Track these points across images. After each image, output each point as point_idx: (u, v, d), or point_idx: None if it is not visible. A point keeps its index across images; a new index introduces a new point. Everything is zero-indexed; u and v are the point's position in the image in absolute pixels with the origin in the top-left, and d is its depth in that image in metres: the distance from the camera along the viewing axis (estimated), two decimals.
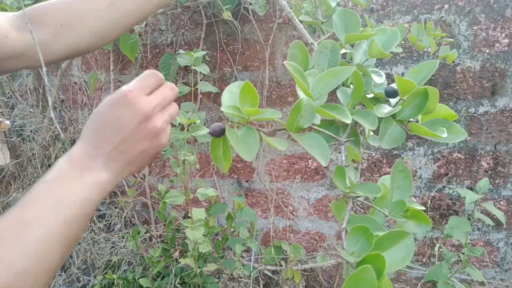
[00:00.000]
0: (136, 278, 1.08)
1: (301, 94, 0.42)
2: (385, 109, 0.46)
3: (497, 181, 1.15)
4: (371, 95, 0.51)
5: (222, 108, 0.41)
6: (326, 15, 0.85)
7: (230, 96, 0.43)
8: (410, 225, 0.44)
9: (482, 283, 1.11)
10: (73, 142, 1.43)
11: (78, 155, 0.41)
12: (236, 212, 1.01)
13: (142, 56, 1.40)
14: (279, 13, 1.22)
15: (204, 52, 1.10)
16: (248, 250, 1.27)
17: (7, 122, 1.24)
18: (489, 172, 1.15)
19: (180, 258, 0.95)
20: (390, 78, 1.11)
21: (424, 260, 1.24)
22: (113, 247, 1.29)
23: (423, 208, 0.45)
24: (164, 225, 1.27)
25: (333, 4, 0.81)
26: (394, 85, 0.47)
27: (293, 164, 1.32)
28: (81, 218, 0.40)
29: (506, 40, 1.07)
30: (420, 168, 1.20)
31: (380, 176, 1.23)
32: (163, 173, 1.45)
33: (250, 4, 1.16)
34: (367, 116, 0.46)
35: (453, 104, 1.13)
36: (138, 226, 1.21)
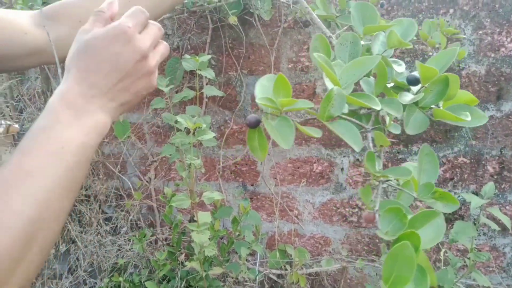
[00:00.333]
0: (142, 281, 1.09)
1: (329, 84, 0.44)
2: (407, 97, 0.48)
3: (503, 186, 1.15)
4: (391, 84, 0.53)
5: (256, 100, 0.42)
6: (340, 9, 0.86)
7: (262, 88, 0.44)
8: (439, 205, 0.45)
9: None
10: None
11: (72, 97, 0.39)
12: (241, 215, 1.02)
13: None
14: (284, 18, 1.23)
15: (209, 57, 1.11)
16: (253, 254, 1.28)
17: (16, 125, 1.26)
18: (495, 177, 1.15)
19: (185, 261, 0.96)
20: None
21: None
22: (119, 250, 1.30)
23: None
24: (170, 228, 1.28)
25: None
26: (415, 73, 0.48)
27: (298, 168, 1.32)
28: (83, 163, 0.39)
29: None
30: None
31: None
32: (169, 176, 1.46)
33: (256, 9, 1.17)
34: (391, 103, 0.47)
35: None
36: (144, 229, 1.22)
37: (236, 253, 1.05)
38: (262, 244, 1.39)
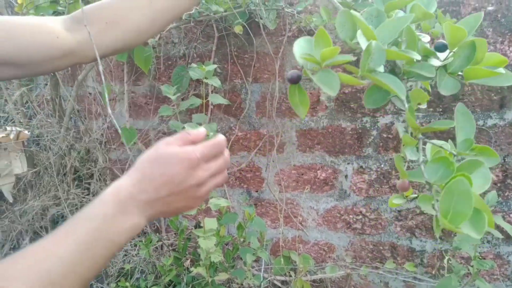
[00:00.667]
0: (148, 286, 1.10)
1: (364, 41, 0.44)
2: (436, 63, 0.49)
3: (506, 194, 1.15)
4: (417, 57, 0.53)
5: (296, 58, 0.43)
6: None
7: (300, 48, 0.46)
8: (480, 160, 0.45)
9: None
10: (87, 151, 1.47)
11: (123, 196, 0.43)
12: (246, 222, 1.03)
13: (155, 67, 1.44)
14: (288, 27, 1.25)
15: (216, 66, 1.13)
16: (257, 260, 1.29)
17: (26, 132, 1.28)
18: (498, 185, 1.15)
19: (191, 267, 0.97)
20: None
21: (433, 272, 1.24)
22: (125, 255, 1.31)
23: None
24: (176, 233, 1.29)
25: None
26: (442, 41, 0.49)
27: (302, 174, 1.33)
28: (107, 258, 0.43)
29: None
30: None
31: (390, 187, 1.24)
32: None
33: (261, 18, 1.20)
34: (423, 66, 0.48)
35: None
36: (150, 235, 1.24)
37: (241, 259, 1.06)
38: (267, 250, 1.40)
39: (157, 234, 1.46)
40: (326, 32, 0.44)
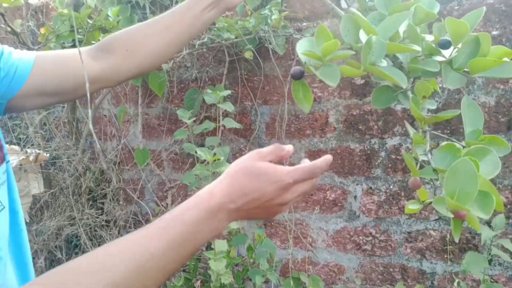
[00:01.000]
0: None
1: (364, 37, 0.46)
2: (441, 59, 0.49)
3: None
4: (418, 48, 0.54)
5: (299, 54, 0.46)
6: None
7: (303, 47, 0.48)
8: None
9: None
10: (101, 172, 1.51)
11: (215, 203, 0.46)
12: (256, 244, 1.04)
13: (168, 90, 1.49)
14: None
15: (229, 92, 1.17)
16: (267, 281, 1.29)
17: (45, 154, 1.33)
18: (508, 207, 1.15)
19: None
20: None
21: None
22: None
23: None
24: None
25: None
26: (446, 38, 0.50)
27: (312, 195, 1.35)
28: (192, 255, 0.46)
29: None
30: None
31: (399, 208, 1.24)
32: None
33: (270, 43, 1.24)
34: (427, 62, 0.49)
35: None
36: None
37: (251, 280, 1.07)
38: (276, 271, 1.40)
39: None
40: (326, 28, 0.46)
